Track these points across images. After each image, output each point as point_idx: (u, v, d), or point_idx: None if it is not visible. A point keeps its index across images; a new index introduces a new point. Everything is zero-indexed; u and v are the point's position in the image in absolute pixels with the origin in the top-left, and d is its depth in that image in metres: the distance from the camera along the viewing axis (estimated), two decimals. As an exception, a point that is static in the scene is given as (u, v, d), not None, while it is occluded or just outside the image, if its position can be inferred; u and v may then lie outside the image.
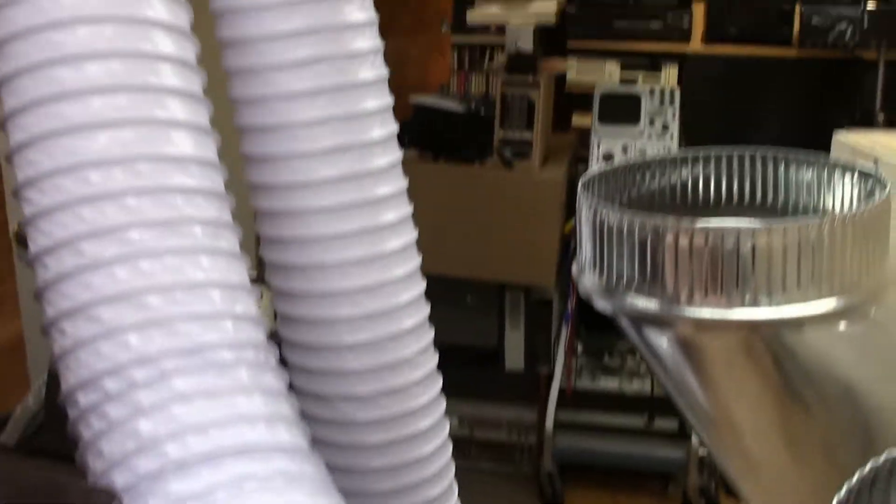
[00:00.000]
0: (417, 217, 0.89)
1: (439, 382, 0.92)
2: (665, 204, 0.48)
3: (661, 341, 0.43)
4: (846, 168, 0.49)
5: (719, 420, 0.49)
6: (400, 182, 0.82)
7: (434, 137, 2.24)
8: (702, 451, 2.26)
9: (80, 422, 0.61)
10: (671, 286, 0.39)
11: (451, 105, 2.30)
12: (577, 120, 2.49)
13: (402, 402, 0.88)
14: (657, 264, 0.38)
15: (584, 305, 2.27)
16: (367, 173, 0.79)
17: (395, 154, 0.80)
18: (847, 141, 0.92)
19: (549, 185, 2.19)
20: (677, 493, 2.32)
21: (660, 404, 2.29)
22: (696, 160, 0.48)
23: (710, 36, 2.49)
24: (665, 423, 2.30)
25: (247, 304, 0.69)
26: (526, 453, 2.40)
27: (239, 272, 0.70)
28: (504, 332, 2.33)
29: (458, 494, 1.04)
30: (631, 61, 2.51)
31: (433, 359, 0.91)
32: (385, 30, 0.77)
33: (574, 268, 0.48)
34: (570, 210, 2.26)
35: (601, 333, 2.40)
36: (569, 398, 2.29)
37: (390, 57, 0.79)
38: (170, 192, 0.60)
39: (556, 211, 2.20)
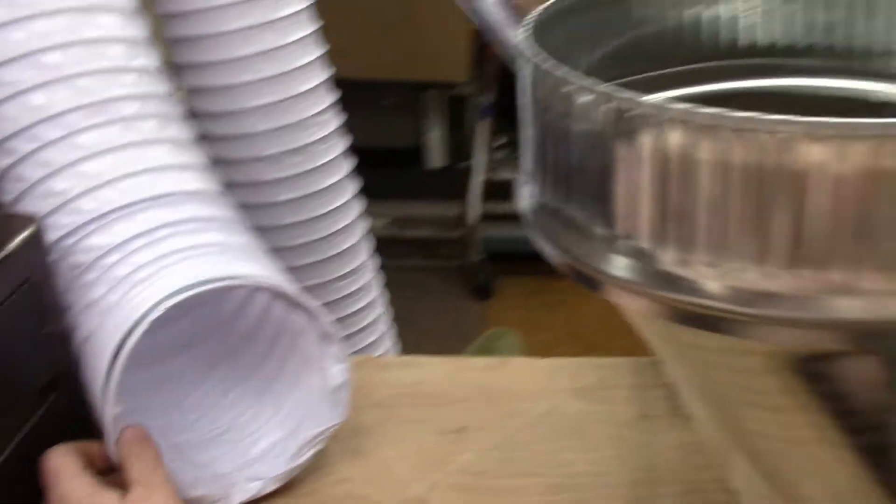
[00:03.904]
0: (325, 22, 0.94)
1: (343, 144, 0.99)
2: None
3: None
4: None
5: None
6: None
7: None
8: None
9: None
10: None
11: None
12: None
13: (307, 161, 0.94)
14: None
15: (505, 99, 2.33)
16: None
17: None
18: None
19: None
20: (598, 272, 2.43)
21: (577, 190, 2.38)
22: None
23: None
24: (583, 208, 2.39)
25: (148, 57, 0.73)
26: (456, 247, 2.48)
27: (138, 27, 0.73)
28: (423, 130, 2.38)
29: (391, 292, 1.13)
30: None
31: (336, 120, 0.97)
32: None
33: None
34: (481, 5, 2.27)
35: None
36: (491, 190, 2.37)
37: None
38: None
39: (467, 6, 2.21)
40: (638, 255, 0.22)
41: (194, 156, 0.73)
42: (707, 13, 0.34)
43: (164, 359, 0.73)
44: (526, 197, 0.26)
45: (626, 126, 0.21)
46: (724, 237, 0.21)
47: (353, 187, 1.05)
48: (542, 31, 0.28)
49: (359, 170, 1.06)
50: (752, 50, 0.35)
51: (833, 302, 0.21)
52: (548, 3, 0.30)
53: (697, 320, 0.22)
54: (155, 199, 0.67)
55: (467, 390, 0.77)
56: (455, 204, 2.46)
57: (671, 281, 0.22)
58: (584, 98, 0.22)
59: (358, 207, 1.07)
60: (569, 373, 0.79)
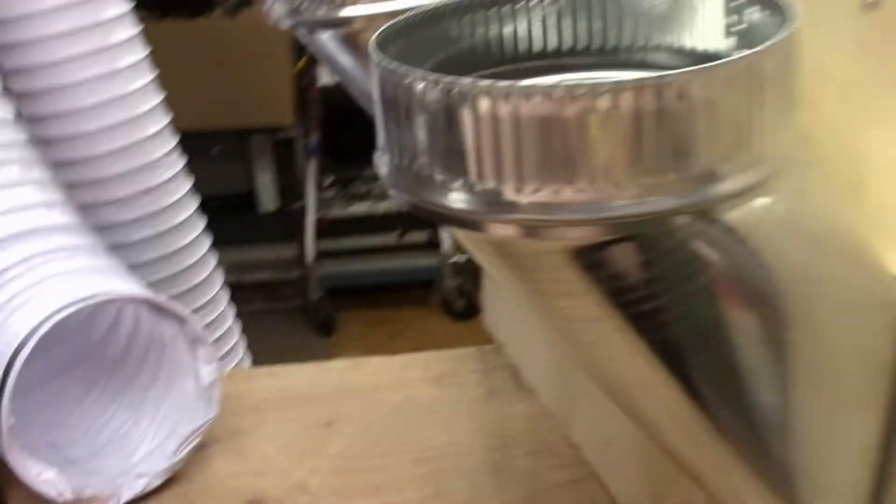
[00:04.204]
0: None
1: (189, 182, 1.06)
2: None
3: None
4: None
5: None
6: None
7: (154, -3, 2.28)
8: (455, 258, 2.48)
9: None
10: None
11: (167, -39, 2.34)
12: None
13: (158, 201, 1.02)
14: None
15: (330, 138, 2.43)
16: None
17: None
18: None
19: (276, 28, 2.28)
20: (437, 298, 2.54)
21: (409, 219, 2.49)
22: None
23: None
24: (416, 236, 2.51)
25: (4, 110, 0.80)
26: (296, 287, 2.55)
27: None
28: (253, 174, 2.45)
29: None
30: None
31: (180, 161, 1.05)
32: None
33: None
34: (299, 50, 2.37)
35: (348, 163, 2.56)
36: (325, 229, 2.45)
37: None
38: None
39: (286, 51, 2.31)
40: (468, 190, 0.32)
41: (57, 194, 0.80)
42: (506, 29, 0.45)
43: (45, 384, 0.79)
44: (383, 165, 0.36)
45: (450, 100, 0.32)
46: (522, 169, 0.31)
47: (201, 223, 1.13)
48: (383, 48, 0.37)
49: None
50: (543, 54, 0.46)
51: (603, 205, 0.31)
52: (384, 27, 0.40)
53: (515, 232, 0.32)
54: (27, 233, 0.74)
55: (331, 389, 0.86)
56: (291, 245, 2.54)
57: (493, 205, 0.32)
58: (420, 84, 0.32)
59: (207, 241, 1.15)
60: (421, 365, 0.89)
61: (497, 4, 0.45)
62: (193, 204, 1.11)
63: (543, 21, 0.46)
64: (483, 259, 0.39)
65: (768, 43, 0.32)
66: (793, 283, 0.38)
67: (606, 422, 0.73)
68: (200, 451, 0.75)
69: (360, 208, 2.54)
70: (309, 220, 2.45)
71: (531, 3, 0.45)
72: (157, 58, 1.06)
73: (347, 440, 0.79)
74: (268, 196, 2.49)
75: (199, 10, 2.32)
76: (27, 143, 0.80)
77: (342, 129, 2.61)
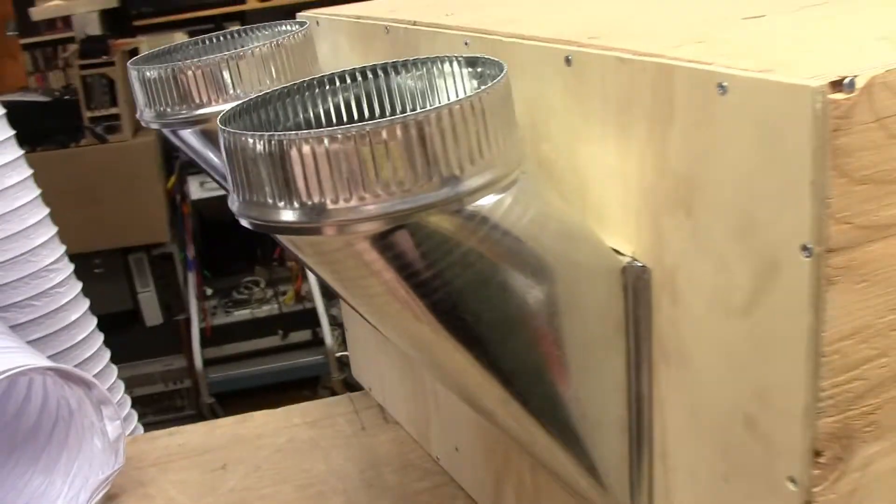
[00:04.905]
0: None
1: (79, 285, 1.19)
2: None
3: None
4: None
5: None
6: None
7: (25, 131, 2.39)
8: (337, 353, 2.61)
9: None
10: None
11: (36, 97, 2.47)
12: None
13: (51, 303, 1.14)
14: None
15: (207, 251, 2.55)
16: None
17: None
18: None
19: (144, 149, 2.43)
20: (326, 392, 2.66)
21: (290, 320, 2.62)
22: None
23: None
24: (299, 336, 2.63)
25: None
26: (185, 397, 2.64)
27: None
28: (136, 292, 2.55)
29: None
30: (197, 28, 2.78)
31: (69, 267, 1.17)
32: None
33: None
34: (169, 168, 2.51)
35: (226, 273, 2.68)
36: (210, 337, 2.56)
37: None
38: None
39: (156, 171, 2.45)
40: (295, 207, 0.47)
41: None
42: (317, 110, 0.61)
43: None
44: (233, 203, 0.51)
45: (273, 148, 0.47)
46: (330, 188, 0.46)
47: (93, 320, 1.25)
48: (227, 123, 0.52)
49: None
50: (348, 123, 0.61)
51: (384, 205, 0.47)
52: (227, 109, 0.55)
53: (331, 231, 0.48)
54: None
55: (224, 440, 0.98)
56: (179, 356, 2.64)
57: (312, 214, 0.47)
58: (252, 140, 0.48)
59: (100, 337, 1.27)
60: (300, 413, 1.02)
61: (310, 90, 0.61)
62: (84, 304, 1.23)
63: (345, 101, 0.62)
64: (310, 261, 0.53)
65: (483, 88, 0.48)
66: (549, 259, 0.54)
67: (453, 430, 0.88)
68: (111, 499, 0.87)
69: (242, 314, 2.66)
70: (194, 331, 2.55)
71: (336, 88, 0.61)
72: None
73: (240, 477, 0.92)
74: (152, 310, 2.59)
75: (68, 139, 2.45)
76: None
77: (217, 241, 2.76)
